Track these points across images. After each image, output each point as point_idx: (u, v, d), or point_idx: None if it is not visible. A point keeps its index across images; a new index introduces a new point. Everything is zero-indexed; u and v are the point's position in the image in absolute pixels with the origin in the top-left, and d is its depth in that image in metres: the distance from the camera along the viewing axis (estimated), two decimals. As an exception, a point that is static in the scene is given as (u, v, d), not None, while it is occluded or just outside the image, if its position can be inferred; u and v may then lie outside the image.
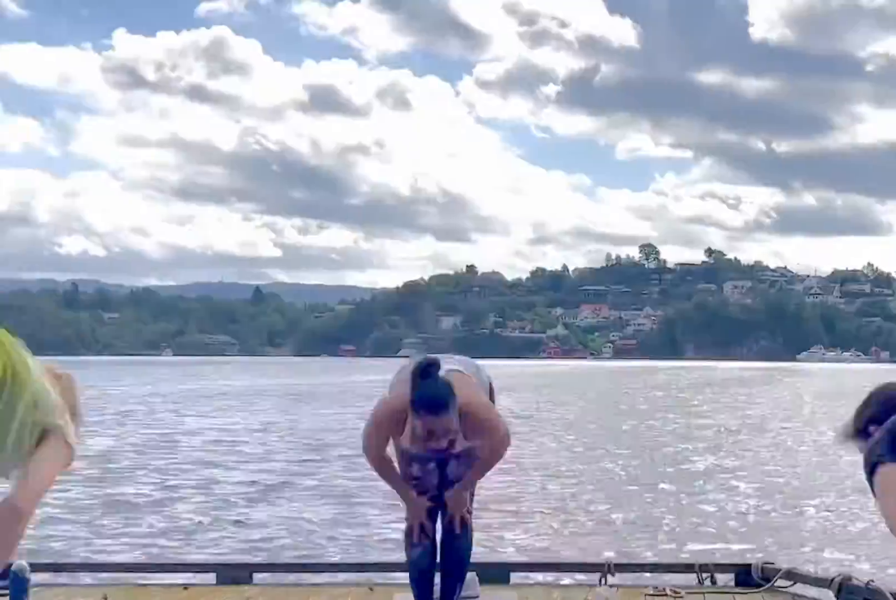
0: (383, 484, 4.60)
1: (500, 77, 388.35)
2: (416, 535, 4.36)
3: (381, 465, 4.38)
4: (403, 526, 4.53)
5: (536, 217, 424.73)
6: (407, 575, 5.65)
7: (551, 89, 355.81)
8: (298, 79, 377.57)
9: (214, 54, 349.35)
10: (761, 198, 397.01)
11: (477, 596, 4.81)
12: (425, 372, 4.08)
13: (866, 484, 3.01)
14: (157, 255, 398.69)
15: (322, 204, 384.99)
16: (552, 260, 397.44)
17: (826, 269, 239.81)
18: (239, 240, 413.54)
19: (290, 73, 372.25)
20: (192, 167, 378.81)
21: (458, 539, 4.47)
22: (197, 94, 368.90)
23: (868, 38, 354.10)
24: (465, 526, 4.46)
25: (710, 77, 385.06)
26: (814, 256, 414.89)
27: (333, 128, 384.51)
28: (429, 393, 4.02)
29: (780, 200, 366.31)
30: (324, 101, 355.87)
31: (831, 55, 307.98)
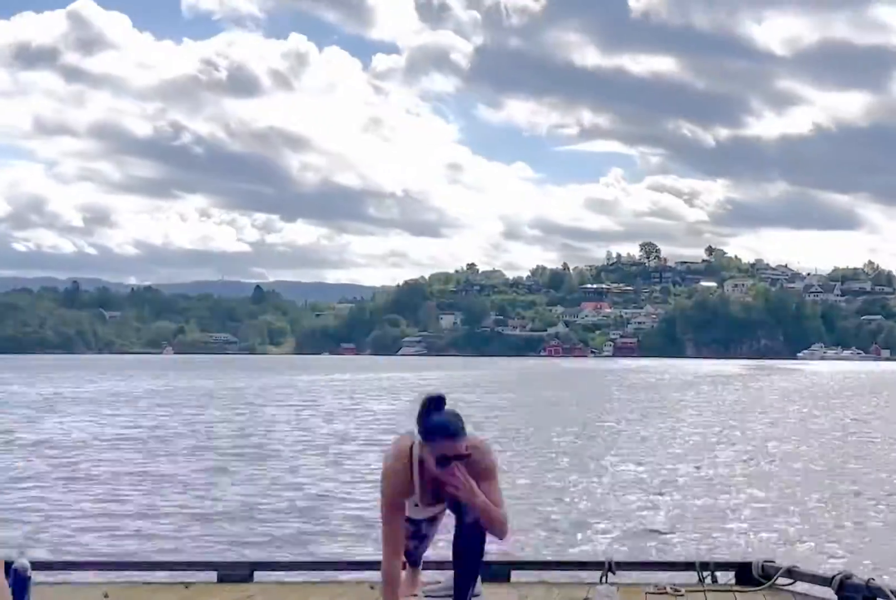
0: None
1: (412, 56, 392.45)
2: None
3: (393, 575, 4.42)
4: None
5: (498, 211, 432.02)
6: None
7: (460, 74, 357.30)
8: (192, 55, 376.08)
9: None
10: (714, 189, 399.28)
11: (479, 595, 4.81)
12: (436, 403, 4.21)
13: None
14: (126, 253, 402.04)
15: (270, 197, 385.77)
16: (521, 255, 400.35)
17: (826, 268, 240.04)
18: (201, 235, 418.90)
19: (177, 50, 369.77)
20: (116, 157, 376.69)
21: (474, 535, 4.43)
22: (76, 75, 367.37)
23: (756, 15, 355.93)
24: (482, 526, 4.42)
25: (620, 62, 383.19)
26: (781, 249, 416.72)
27: (245, 110, 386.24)
28: (442, 418, 4.14)
29: (732, 192, 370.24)
30: (228, 81, 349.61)
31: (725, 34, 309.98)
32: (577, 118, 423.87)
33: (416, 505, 4.42)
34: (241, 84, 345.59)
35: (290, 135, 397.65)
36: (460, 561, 4.46)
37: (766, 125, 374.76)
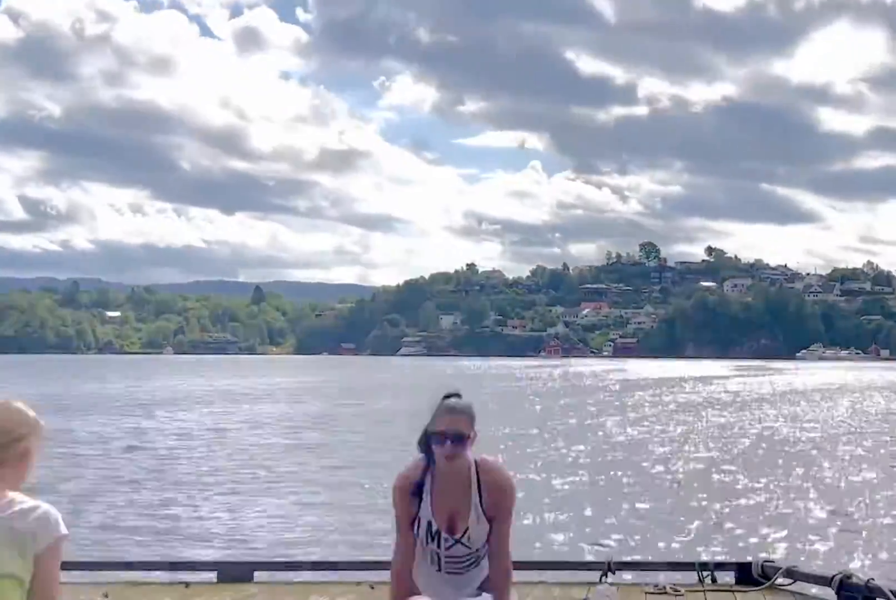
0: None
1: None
2: None
3: (404, 578, 4.20)
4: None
5: (431, 204, 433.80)
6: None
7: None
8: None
9: None
10: (634, 180, 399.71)
11: (479, 595, 4.81)
12: (450, 394, 4.15)
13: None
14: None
15: (174, 184, 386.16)
16: (466, 249, 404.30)
17: (826, 268, 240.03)
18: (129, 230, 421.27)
19: None
20: None
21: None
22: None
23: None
24: None
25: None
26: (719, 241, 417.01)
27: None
28: (450, 401, 4.09)
29: (659, 185, 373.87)
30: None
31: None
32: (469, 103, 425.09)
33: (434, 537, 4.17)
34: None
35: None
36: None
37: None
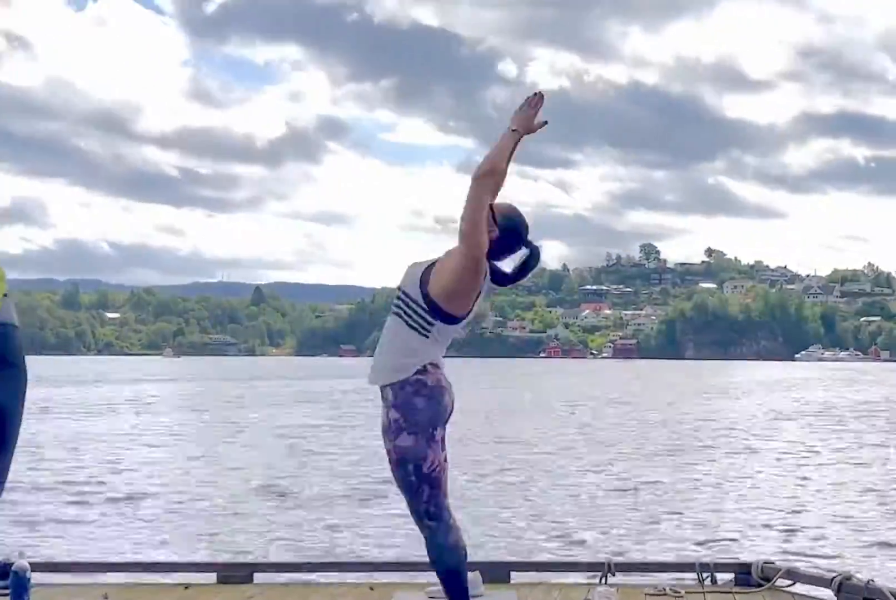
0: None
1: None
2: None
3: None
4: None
5: (372, 200, 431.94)
6: (406, 573, 5.65)
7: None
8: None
9: None
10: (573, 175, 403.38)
11: (480, 596, 4.81)
12: None
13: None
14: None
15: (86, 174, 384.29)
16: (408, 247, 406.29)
17: (826, 269, 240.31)
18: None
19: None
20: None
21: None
22: None
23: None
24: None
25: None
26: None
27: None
28: None
29: (601, 179, 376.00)
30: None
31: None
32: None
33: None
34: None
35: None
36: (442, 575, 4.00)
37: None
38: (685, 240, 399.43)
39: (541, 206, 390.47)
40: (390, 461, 3.93)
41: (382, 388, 3.87)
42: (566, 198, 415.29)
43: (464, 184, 3.78)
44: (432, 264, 3.86)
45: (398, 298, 3.85)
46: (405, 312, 3.82)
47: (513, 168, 3.96)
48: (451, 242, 3.83)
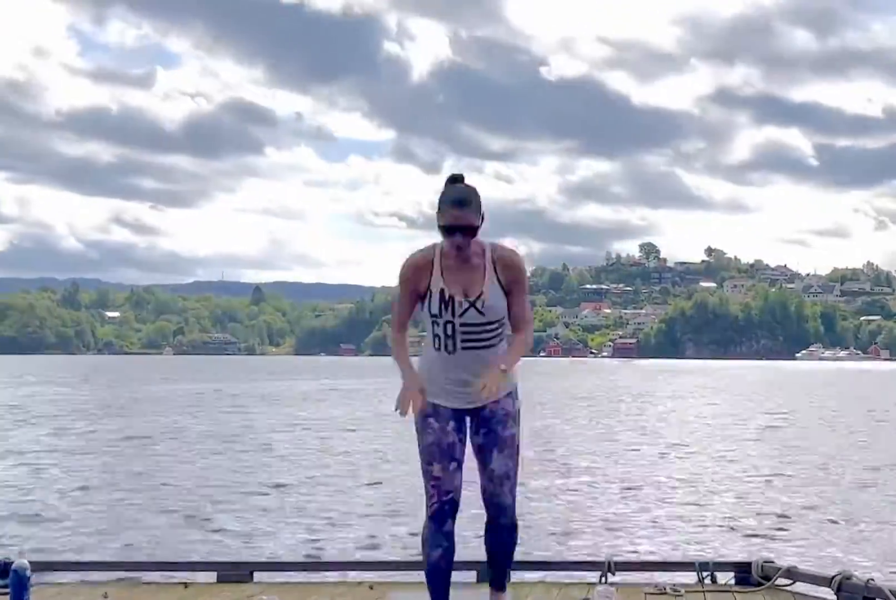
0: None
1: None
2: (403, 406, 3.98)
3: (399, 340, 4.21)
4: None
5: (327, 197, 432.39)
6: (406, 573, 5.66)
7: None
8: None
9: None
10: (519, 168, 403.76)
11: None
12: (454, 178, 4.05)
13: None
14: None
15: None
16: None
17: (826, 268, 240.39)
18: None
19: None
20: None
21: (504, 524, 4.45)
22: None
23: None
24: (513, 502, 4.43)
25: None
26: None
27: None
28: (453, 188, 4.00)
29: (549, 171, 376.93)
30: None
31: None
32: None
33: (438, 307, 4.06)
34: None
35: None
36: (490, 550, 4.53)
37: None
38: (648, 236, 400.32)
39: (492, 201, 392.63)
40: (507, 446, 4.28)
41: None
42: (513, 190, 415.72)
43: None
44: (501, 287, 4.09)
45: (492, 330, 4.08)
46: (501, 336, 4.15)
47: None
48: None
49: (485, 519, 4.37)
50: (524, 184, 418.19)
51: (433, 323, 4.10)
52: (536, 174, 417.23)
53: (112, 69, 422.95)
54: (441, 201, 3.99)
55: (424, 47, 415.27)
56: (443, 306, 4.05)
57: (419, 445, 4.18)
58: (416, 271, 4.06)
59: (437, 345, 4.10)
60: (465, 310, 4.02)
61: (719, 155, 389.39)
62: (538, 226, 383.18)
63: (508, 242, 4.26)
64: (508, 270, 4.05)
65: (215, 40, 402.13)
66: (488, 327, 4.06)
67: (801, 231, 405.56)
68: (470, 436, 4.22)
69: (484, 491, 4.29)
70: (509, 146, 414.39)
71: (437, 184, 4.11)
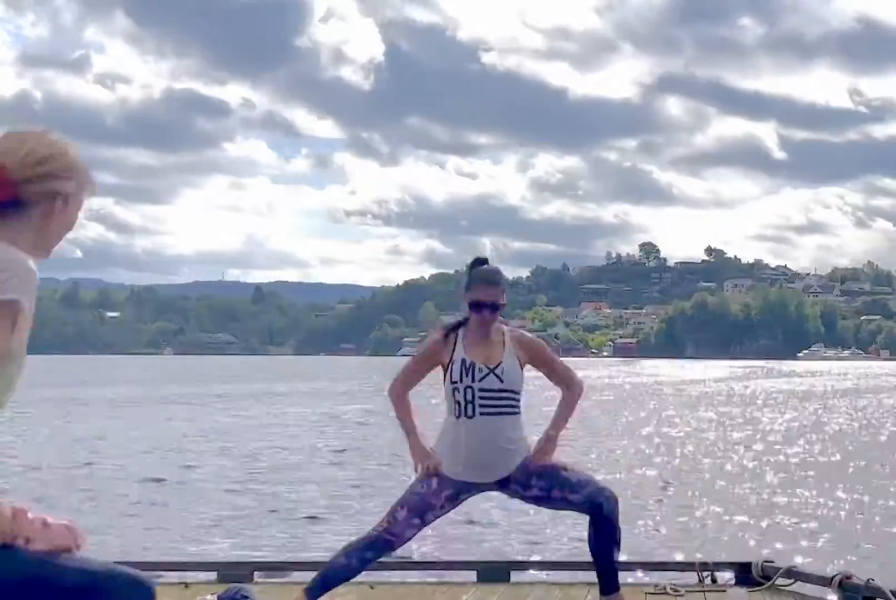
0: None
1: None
2: (423, 473, 4.36)
3: (401, 403, 4.47)
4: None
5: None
6: (406, 573, 5.66)
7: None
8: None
9: None
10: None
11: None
12: (481, 260, 4.45)
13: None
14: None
15: None
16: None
17: (826, 268, 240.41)
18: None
19: None
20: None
21: (603, 519, 4.61)
22: None
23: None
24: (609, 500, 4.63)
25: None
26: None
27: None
28: (480, 268, 4.39)
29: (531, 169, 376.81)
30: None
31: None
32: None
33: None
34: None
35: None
36: (596, 548, 4.69)
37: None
38: (626, 233, 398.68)
39: (460, 198, 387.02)
40: (551, 468, 4.51)
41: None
42: (479, 186, 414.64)
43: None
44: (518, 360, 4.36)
45: (508, 399, 4.31)
46: (518, 408, 4.37)
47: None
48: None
49: (589, 522, 4.61)
50: (490, 181, 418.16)
51: (454, 390, 4.31)
52: (500, 170, 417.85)
53: (40, 56, 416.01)
54: (472, 279, 4.37)
55: (359, 34, 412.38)
56: (463, 372, 4.29)
57: (408, 488, 4.41)
58: (440, 346, 4.37)
59: (457, 413, 4.31)
60: (485, 376, 4.27)
61: (680, 148, 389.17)
62: (513, 224, 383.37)
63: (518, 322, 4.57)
64: (527, 347, 4.40)
65: (139, 29, 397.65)
66: (506, 395, 4.30)
67: (779, 228, 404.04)
68: (522, 495, 4.45)
69: (583, 503, 4.52)
70: (463, 139, 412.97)
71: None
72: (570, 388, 4.51)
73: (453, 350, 4.32)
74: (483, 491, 4.45)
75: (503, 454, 4.31)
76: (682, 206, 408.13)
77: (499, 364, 4.29)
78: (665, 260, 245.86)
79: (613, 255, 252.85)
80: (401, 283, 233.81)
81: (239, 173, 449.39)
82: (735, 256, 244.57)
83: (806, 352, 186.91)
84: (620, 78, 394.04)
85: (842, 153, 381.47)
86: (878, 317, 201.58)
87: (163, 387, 52.89)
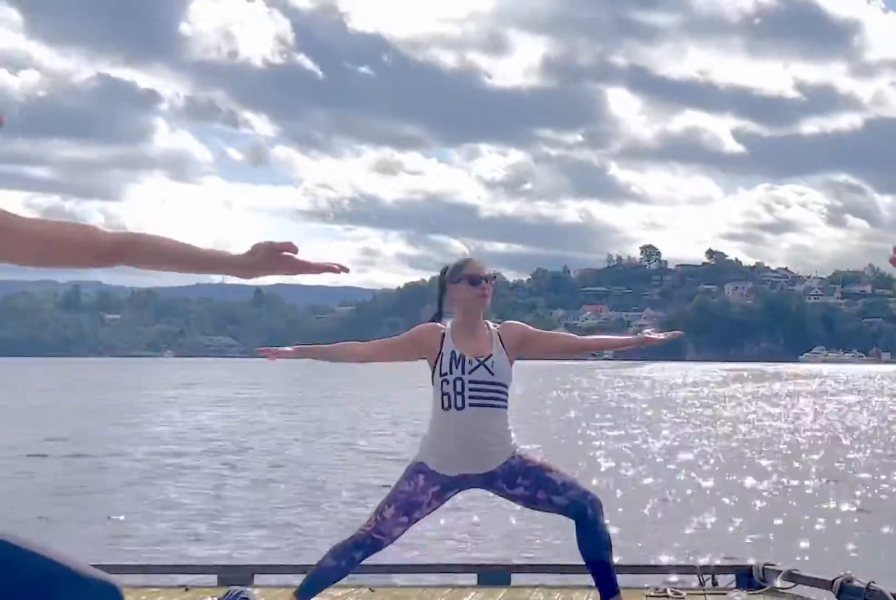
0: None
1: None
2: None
3: (349, 345, 4.58)
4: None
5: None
6: (406, 576, 5.65)
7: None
8: None
9: None
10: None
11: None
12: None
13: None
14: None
15: None
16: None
17: (827, 270, 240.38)
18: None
19: None
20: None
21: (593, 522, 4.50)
22: None
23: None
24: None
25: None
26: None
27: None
28: (468, 257, 4.49)
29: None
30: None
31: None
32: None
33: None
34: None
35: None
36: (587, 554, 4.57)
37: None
38: (593, 231, 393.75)
39: (415, 196, 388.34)
40: (538, 468, 4.44)
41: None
42: (431, 184, 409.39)
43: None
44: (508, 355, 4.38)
45: (497, 392, 4.31)
46: (506, 402, 4.36)
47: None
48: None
49: (574, 527, 4.52)
50: (437, 178, 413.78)
51: (443, 382, 4.29)
52: (447, 167, 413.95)
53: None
54: (460, 263, 4.42)
55: (259, 22, 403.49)
56: (453, 364, 4.28)
57: (394, 486, 4.34)
58: (430, 333, 4.38)
59: (445, 404, 4.29)
60: (475, 368, 4.27)
61: (629, 142, 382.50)
62: (475, 223, 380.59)
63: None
64: (511, 332, 4.44)
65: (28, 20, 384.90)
66: (496, 387, 4.30)
67: (748, 226, 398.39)
68: (507, 494, 4.41)
69: (567, 507, 4.46)
70: (400, 132, 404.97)
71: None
72: (574, 338, 4.70)
73: (441, 342, 4.32)
74: (469, 487, 4.41)
75: (491, 446, 4.29)
76: (642, 203, 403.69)
77: (489, 356, 4.30)
78: (665, 262, 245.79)
79: (614, 258, 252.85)
80: (401, 286, 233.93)
81: (174, 168, 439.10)
82: (735, 259, 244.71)
83: (807, 354, 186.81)
84: (538, 65, 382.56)
85: (793, 147, 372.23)
86: (879, 319, 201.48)
87: (165, 390, 52.88)
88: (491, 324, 4.44)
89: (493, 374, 4.28)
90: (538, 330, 4.56)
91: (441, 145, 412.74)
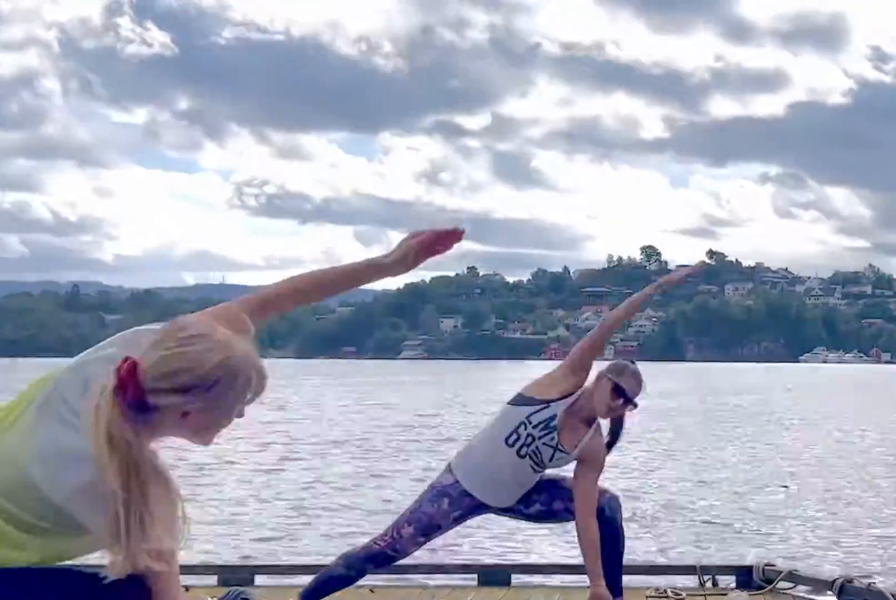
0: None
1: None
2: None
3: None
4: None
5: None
6: (406, 577, 5.65)
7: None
8: None
9: None
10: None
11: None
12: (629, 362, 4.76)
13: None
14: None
15: None
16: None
17: (827, 271, 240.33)
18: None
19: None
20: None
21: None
22: None
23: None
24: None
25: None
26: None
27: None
28: (638, 371, 4.56)
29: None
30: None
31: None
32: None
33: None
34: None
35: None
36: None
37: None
38: (546, 226, 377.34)
39: (344, 190, 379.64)
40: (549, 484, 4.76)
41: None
42: (362, 179, 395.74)
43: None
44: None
45: (542, 468, 4.58)
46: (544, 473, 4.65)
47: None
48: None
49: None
50: (363, 171, 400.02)
51: (522, 423, 4.41)
52: (355, 159, 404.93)
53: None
54: (627, 370, 4.47)
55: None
56: (542, 425, 4.42)
57: (419, 502, 4.43)
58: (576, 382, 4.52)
59: (510, 442, 4.41)
60: (552, 446, 4.45)
61: (548, 126, 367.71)
62: (417, 222, 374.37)
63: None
64: (590, 450, 4.58)
65: None
66: (555, 458, 4.48)
67: (701, 219, 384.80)
68: (524, 514, 4.63)
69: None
70: (305, 122, 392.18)
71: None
72: (601, 327, 4.93)
73: (565, 399, 4.44)
74: (487, 512, 4.56)
75: (522, 492, 4.49)
76: (564, 193, 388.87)
77: (565, 449, 4.45)
78: (665, 263, 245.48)
79: (615, 258, 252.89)
80: (401, 286, 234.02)
81: (85, 157, 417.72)
82: (736, 259, 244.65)
83: (807, 354, 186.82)
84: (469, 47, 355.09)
85: (720, 132, 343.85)
86: (878, 320, 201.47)
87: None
88: (596, 426, 4.51)
89: (551, 461, 4.48)
90: (599, 467, 4.69)
91: (337, 133, 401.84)
